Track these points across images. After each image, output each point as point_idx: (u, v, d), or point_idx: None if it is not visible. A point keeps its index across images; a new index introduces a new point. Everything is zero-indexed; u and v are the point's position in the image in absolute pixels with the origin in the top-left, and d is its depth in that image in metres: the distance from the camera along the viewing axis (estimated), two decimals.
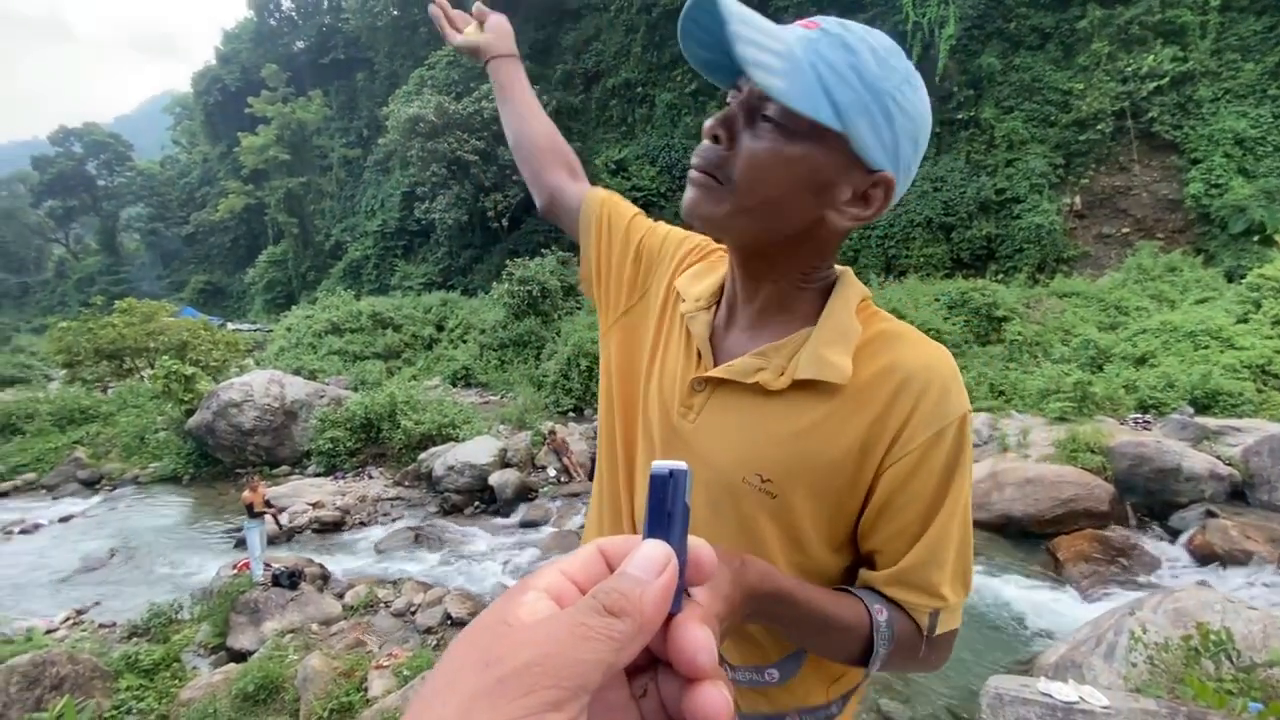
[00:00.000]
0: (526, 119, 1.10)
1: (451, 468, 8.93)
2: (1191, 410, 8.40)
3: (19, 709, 3.95)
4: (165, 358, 12.68)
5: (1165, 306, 11.82)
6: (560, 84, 24.31)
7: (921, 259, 15.70)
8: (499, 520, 8.31)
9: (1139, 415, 8.67)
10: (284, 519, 8.14)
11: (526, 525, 8.01)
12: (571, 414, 11.79)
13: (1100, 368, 10.17)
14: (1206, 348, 9.91)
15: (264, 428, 10.84)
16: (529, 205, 22.36)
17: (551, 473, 9.15)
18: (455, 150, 20.86)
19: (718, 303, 0.83)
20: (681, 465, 0.32)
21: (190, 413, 11.28)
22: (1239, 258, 12.69)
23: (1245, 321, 10.21)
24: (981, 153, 16.11)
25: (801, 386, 0.72)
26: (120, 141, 46.33)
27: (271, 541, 7.17)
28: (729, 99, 0.71)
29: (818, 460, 0.71)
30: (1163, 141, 14.47)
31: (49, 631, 5.72)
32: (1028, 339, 11.49)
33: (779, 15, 19.37)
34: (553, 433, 9.64)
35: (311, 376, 14.09)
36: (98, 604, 6.68)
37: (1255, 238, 12.68)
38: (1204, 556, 5.94)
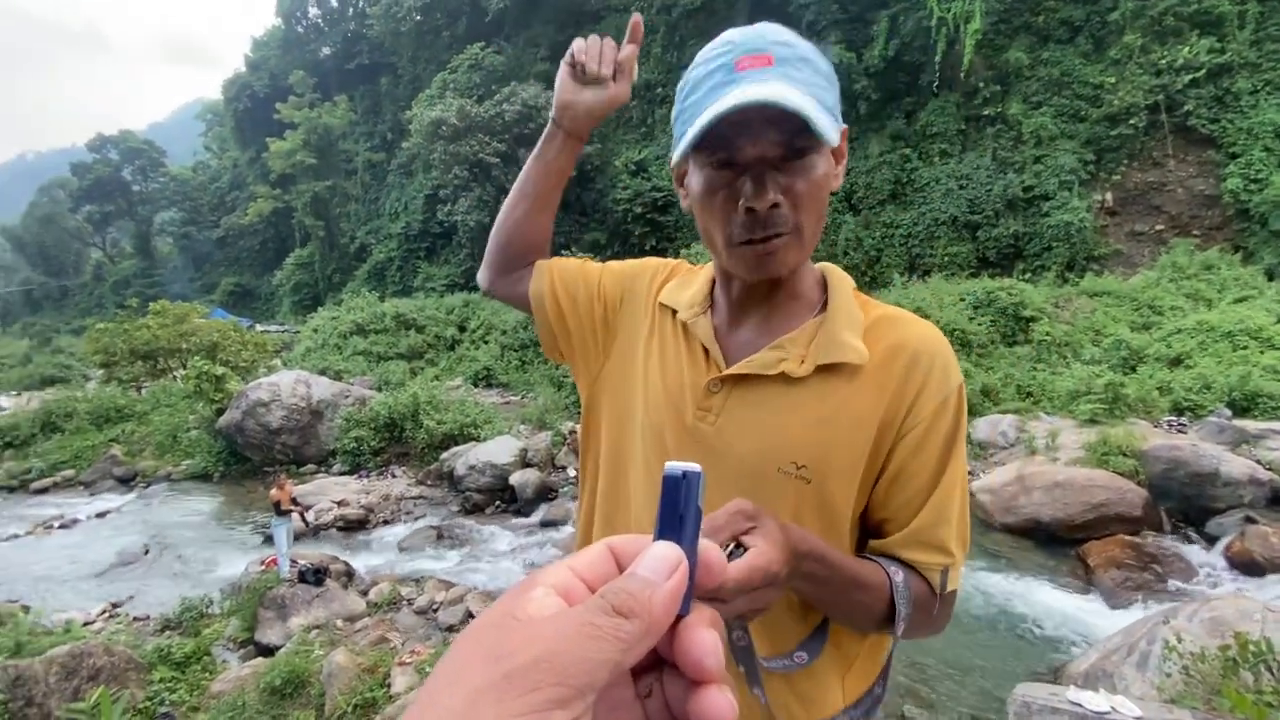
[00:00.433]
0: (545, 212, 1.01)
1: (473, 467, 9.01)
2: (1229, 413, 8.15)
3: (58, 698, 4.07)
4: (197, 358, 13.01)
5: (1202, 305, 11.48)
6: None
7: (946, 258, 15.46)
8: (520, 520, 8.37)
9: (1174, 418, 8.43)
10: (310, 516, 8.28)
11: (547, 525, 8.05)
12: None
13: (1133, 369, 9.91)
14: (1245, 348, 9.61)
15: (291, 427, 11.05)
16: None
17: (571, 473, 9.19)
18: (477, 153, 21.06)
19: (709, 307, 0.87)
20: (694, 467, 0.31)
21: (220, 412, 11.54)
22: None
23: None
24: (1008, 149, 15.81)
25: (824, 371, 0.77)
26: (154, 148, 47.53)
27: (298, 538, 7.30)
28: (720, 161, 0.73)
29: (846, 440, 0.76)
30: (1199, 135, 14.06)
31: (86, 624, 5.89)
32: (1056, 339, 11.25)
33: (799, 14, 19.26)
34: (573, 433, 9.68)
35: (337, 377, 14.34)
36: (132, 598, 6.86)
37: None
38: (1242, 564, 5.76)
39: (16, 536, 9.21)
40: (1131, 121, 14.44)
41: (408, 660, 4.57)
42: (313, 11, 38.33)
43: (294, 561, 6.35)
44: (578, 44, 0.93)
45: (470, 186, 22.22)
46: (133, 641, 5.00)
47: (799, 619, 0.78)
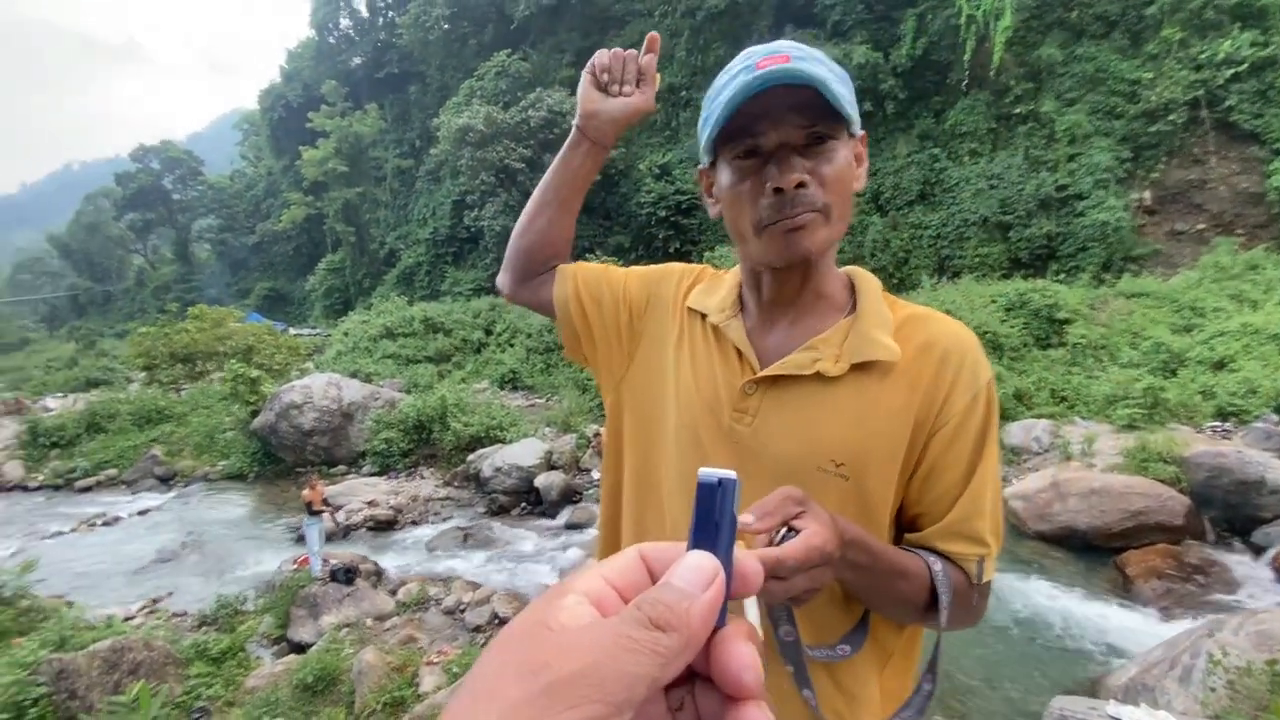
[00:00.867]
0: (568, 218, 1.02)
1: (499, 469, 9.09)
2: (1276, 418, 7.84)
3: (100, 691, 4.19)
4: (233, 361, 13.37)
5: (1246, 307, 11.07)
6: None
7: (976, 259, 15.17)
8: (545, 522, 8.41)
9: (1217, 423, 8.15)
10: (340, 517, 8.44)
11: (572, 527, 8.08)
12: None
13: (1173, 372, 9.59)
14: None
15: (323, 428, 11.27)
16: None
17: (595, 475, 9.22)
18: (503, 159, 21.30)
19: (740, 310, 0.89)
20: (730, 474, 0.30)
21: (255, 414, 11.83)
22: None
23: None
24: (1041, 148, 15.46)
25: (858, 369, 0.79)
26: (193, 157, 49.06)
27: (328, 538, 7.44)
28: (746, 150, 0.77)
29: (882, 436, 0.78)
30: (1242, 132, 13.58)
31: (127, 619, 6.06)
32: (1092, 342, 10.94)
33: (825, 14, 19.09)
34: (598, 435, 9.71)
35: (367, 379, 14.60)
36: (170, 594, 7.06)
37: None
38: None
39: (61, 533, 9.54)
40: (1170, 118, 14.02)
41: (435, 660, 4.63)
42: (344, 22, 39.18)
43: (326, 560, 6.47)
44: (599, 56, 0.94)
45: (496, 192, 22.48)
46: (171, 637, 5.13)
47: (842, 611, 0.79)
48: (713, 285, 0.94)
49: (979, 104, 16.60)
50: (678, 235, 20.55)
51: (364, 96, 35.25)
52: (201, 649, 4.99)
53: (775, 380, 0.81)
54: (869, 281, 0.87)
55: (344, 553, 7.08)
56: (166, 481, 12.00)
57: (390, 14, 36.30)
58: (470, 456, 9.91)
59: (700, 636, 0.27)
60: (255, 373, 12.48)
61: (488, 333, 19.37)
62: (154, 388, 16.58)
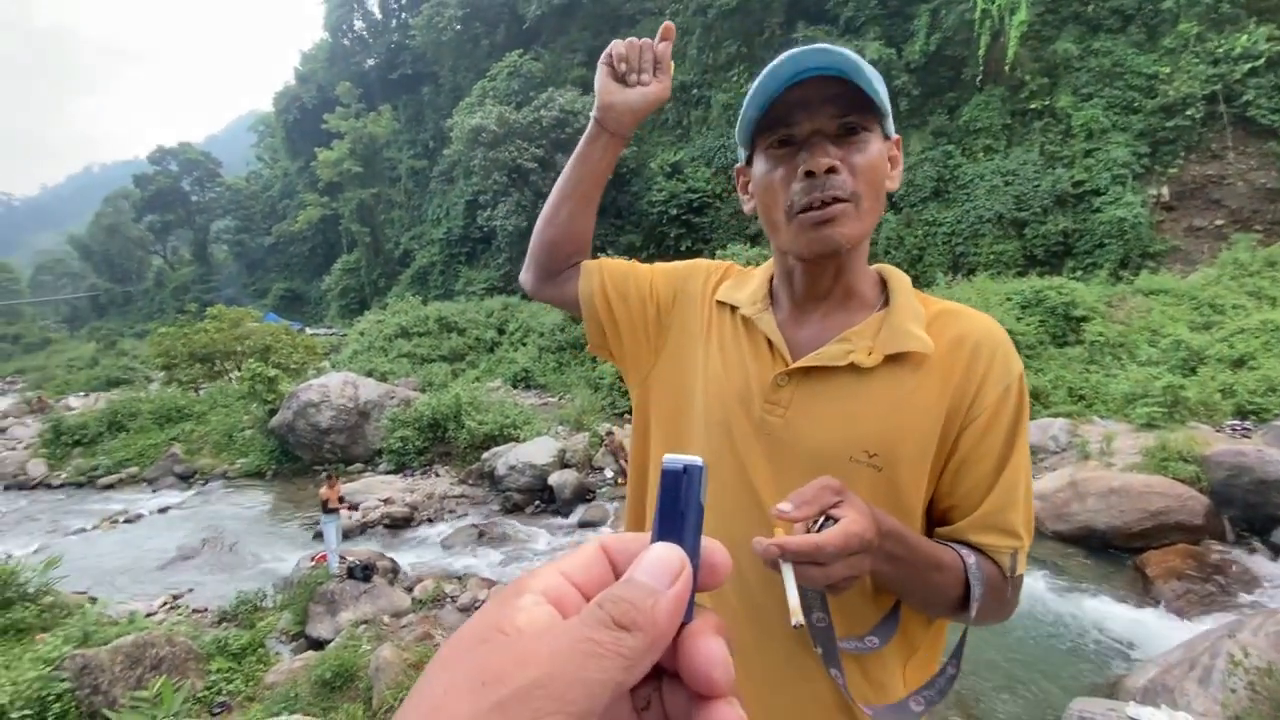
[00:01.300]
0: (589, 212, 1.02)
1: (513, 467, 9.14)
2: None
3: (122, 686, 4.26)
4: (251, 361, 13.53)
5: (1265, 304, 10.87)
6: None
7: (991, 256, 15.01)
8: (558, 520, 8.46)
9: (1237, 422, 8.02)
10: (357, 514, 8.53)
11: (585, 525, 8.12)
12: (627, 416, 11.88)
13: (1193, 370, 9.45)
14: None
15: (339, 427, 11.39)
16: None
17: (609, 474, 9.25)
18: (515, 159, 21.38)
19: (771, 304, 0.91)
20: (696, 460, 0.28)
21: (273, 412, 11.97)
22: None
23: None
24: (1057, 143, 15.27)
25: (892, 361, 0.80)
26: (210, 159, 49.68)
27: (345, 536, 7.52)
28: (780, 140, 0.80)
29: (915, 427, 0.78)
30: (1260, 127, 13.34)
31: (149, 615, 6.15)
32: (1110, 340, 10.81)
33: (838, 10, 18.95)
34: (610, 434, 9.74)
35: (383, 378, 14.73)
36: (191, 590, 7.17)
37: None
38: None
39: (84, 530, 9.72)
40: (1188, 113, 13.79)
41: None
42: (358, 24, 39.46)
43: (343, 558, 6.54)
44: (616, 46, 0.95)
45: (509, 192, 22.56)
46: (192, 632, 5.21)
47: (872, 603, 0.80)
48: (742, 279, 0.96)
49: (994, 100, 16.42)
50: (689, 234, 20.52)
51: (378, 98, 35.49)
52: (222, 645, 5.05)
53: (808, 372, 0.82)
54: (901, 278, 0.89)
55: (361, 550, 7.16)
56: (186, 479, 12.18)
57: (403, 15, 36.54)
58: (484, 455, 9.98)
59: (667, 634, 0.25)
60: (273, 372, 12.63)
61: (500, 332, 19.47)
62: (174, 387, 16.81)
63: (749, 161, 0.86)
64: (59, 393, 23.69)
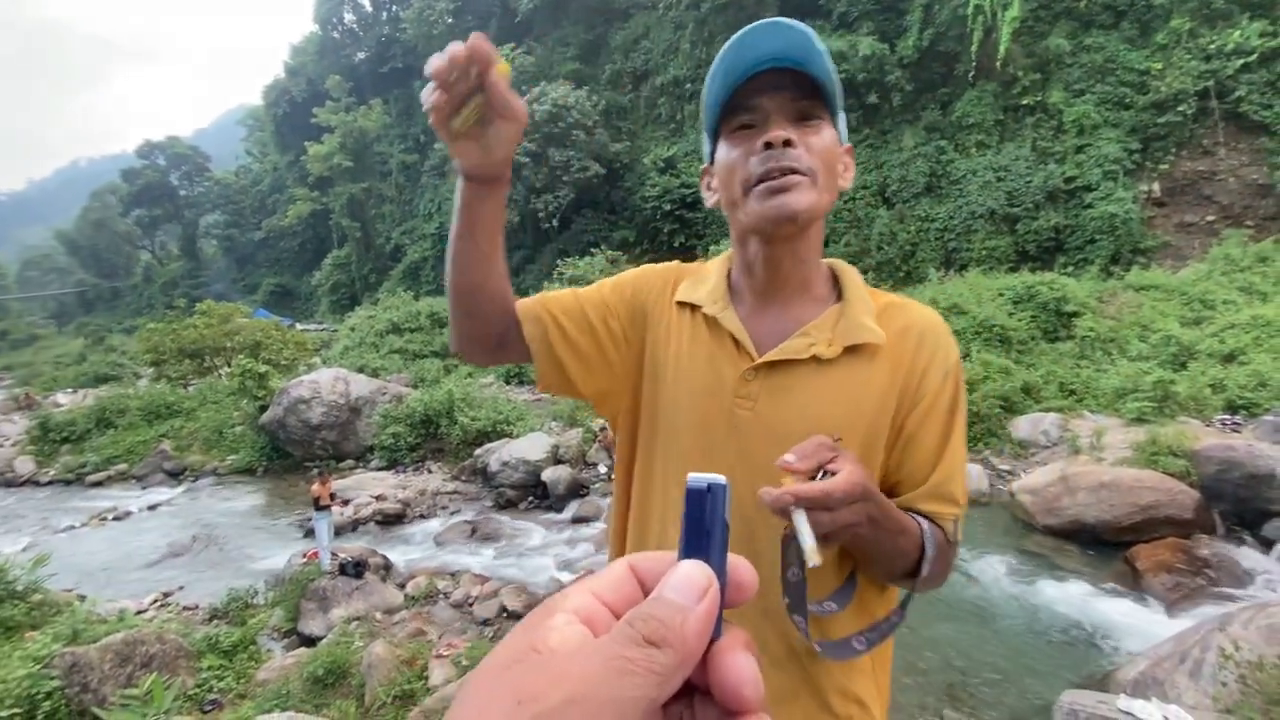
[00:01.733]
0: (501, 261, 0.90)
1: (506, 463, 9.11)
2: None
3: (112, 684, 4.22)
4: (241, 357, 13.44)
5: (1256, 299, 10.98)
6: (609, 83, 24.44)
7: (984, 252, 15.08)
8: (552, 516, 8.44)
9: (1227, 416, 8.09)
10: (348, 511, 8.48)
11: (578, 521, 8.10)
12: None
13: (1183, 365, 9.53)
14: None
15: (331, 423, 11.32)
16: (579, 206, 22.59)
17: (602, 469, 9.23)
18: None
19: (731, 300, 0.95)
20: (720, 479, 0.29)
21: (264, 409, 11.89)
22: None
23: None
24: (1049, 139, 15.35)
25: (850, 352, 0.86)
26: (199, 154, 49.23)
27: (337, 532, 7.48)
28: (741, 124, 0.85)
29: (872, 412, 0.86)
30: (1251, 123, 13.45)
31: (139, 612, 6.11)
32: (1101, 335, 10.88)
33: (830, 5, 18.91)
34: (603, 430, 9.72)
35: (374, 374, 14.64)
36: (182, 588, 7.11)
37: None
38: None
39: (73, 528, 9.63)
40: (1180, 109, 13.88)
41: (445, 653, 4.66)
42: (348, 17, 39.12)
43: (334, 554, 6.51)
44: (436, 69, 0.76)
45: None
46: (183, 630, 5.16)
47: (833, 570, 0.86)
48: (698, 277, 0.98)
49: (986, 95, 16.47)
50: (683, 229, 20.50)
51: (368, 91, 35.27)
52: (213, 642, 5.02)
53: (774, 365, 0.87)
54: (851, 272, 0.95)
55: (353, 546, 7.12)
56: (176, 476, 12.09)
57: (394, 8, 36.25)
58: (477, 451, 9.94)
59: (697, 651, 0.25)
60: (263, 368, 12.54)
61: None
62: (163, 383, 16.67)
63: (713, 160, 0.90)
64: (47, 389, 23.46)
